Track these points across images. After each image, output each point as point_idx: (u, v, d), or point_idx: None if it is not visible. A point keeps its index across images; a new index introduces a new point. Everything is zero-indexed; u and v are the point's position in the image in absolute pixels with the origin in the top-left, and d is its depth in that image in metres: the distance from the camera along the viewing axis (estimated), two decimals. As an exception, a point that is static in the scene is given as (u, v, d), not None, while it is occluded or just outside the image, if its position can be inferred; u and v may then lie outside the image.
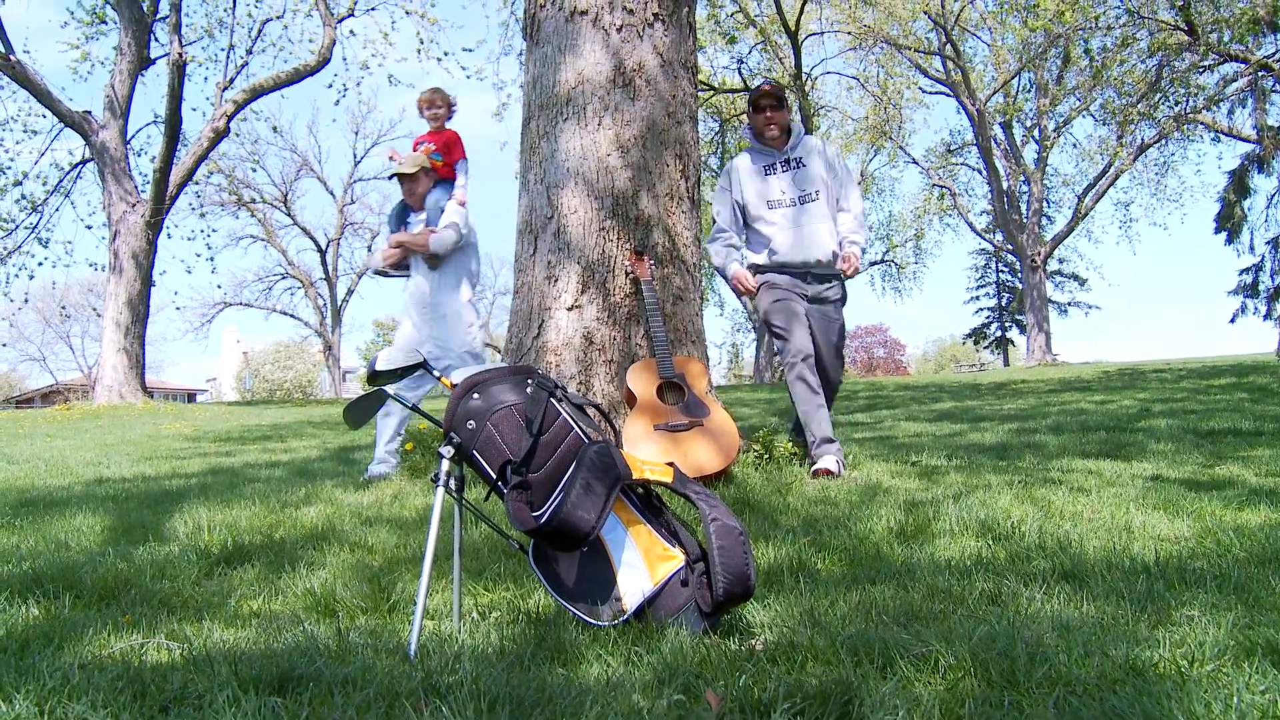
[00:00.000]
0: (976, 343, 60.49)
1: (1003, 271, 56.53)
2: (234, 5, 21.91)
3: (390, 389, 2.62)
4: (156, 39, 20.81)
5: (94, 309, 33.39)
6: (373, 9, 22.66)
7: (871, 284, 43.81)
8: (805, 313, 5.21)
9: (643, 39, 5.19)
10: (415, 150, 6.22)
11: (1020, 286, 45.28)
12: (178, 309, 65.95)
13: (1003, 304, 57.30)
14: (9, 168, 21.73)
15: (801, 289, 5.26)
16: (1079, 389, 13.53)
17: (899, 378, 34.65)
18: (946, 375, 36.95)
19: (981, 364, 57.61)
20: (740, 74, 29.79)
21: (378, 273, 6.19)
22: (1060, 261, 47.93)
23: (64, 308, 46.27)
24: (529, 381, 2.48)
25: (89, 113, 20.37)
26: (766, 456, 5.04)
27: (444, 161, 6.18)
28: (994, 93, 32.99)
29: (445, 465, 2.40)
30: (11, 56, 19.49)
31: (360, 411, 2.62)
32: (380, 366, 2.51)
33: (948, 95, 33.90)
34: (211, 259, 46.12)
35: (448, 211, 5.97)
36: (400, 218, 6.20)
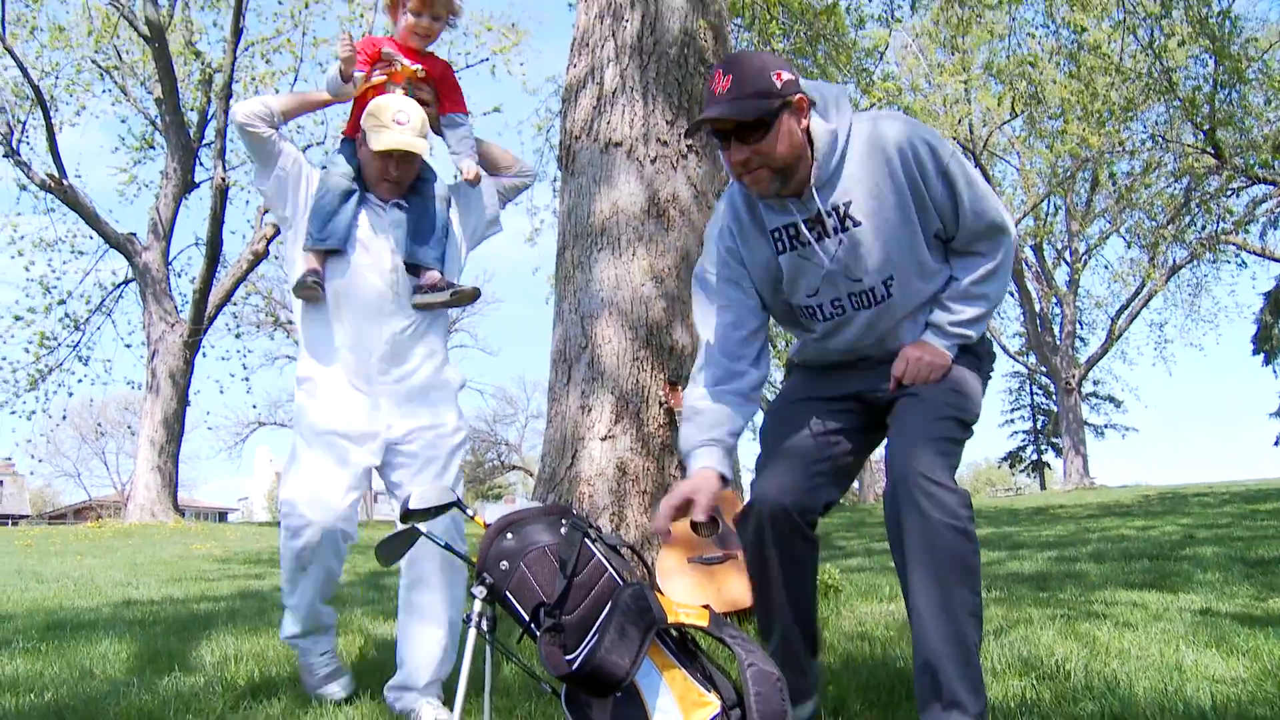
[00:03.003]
0: (1012, 466, 59.81)
1: (1037, 394, 56.20)
2: (278, 133, 22.59)
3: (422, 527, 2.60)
4: (201, 164, 21.50)
5: (129, 427, 33.79)
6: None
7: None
8: (827, 422, 2.82)
9: (676, 170, 5.28)
10: (380, 65, 3.49)
11: (1055, 409, 44.94)
12: (210, 429, 66.39)
13: (1038, 426, 56.80)
14: (55, 287, 22.25)
15: (833, 389, 2.90)
16: (1119, 514, 13.30)
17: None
18: (982, 499, 36.47)
19: (1018, 488, 56.89)
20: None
21: (302, 292, 3.32)
22: (1095, 383, 47.63)
23: (100, 425, 46.83)
24: (563, 521, 2.46)
25: (134, 234, 20.96)
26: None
27: (436, 107, 3.58)
28: (1024, 216, 33.28)
29: (478, 606, 2.37)
30: (65, 181, 20.13)
31: (393, 549, 2.60)
32: (414, 505, 2.49)
33: (978, 218, 34.21)
34: (246, 379, 46.63)
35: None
36: (345, 196, 3.40)
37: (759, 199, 2.70)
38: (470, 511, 2.58)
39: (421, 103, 3.41)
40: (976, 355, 2.82)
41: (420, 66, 3.51)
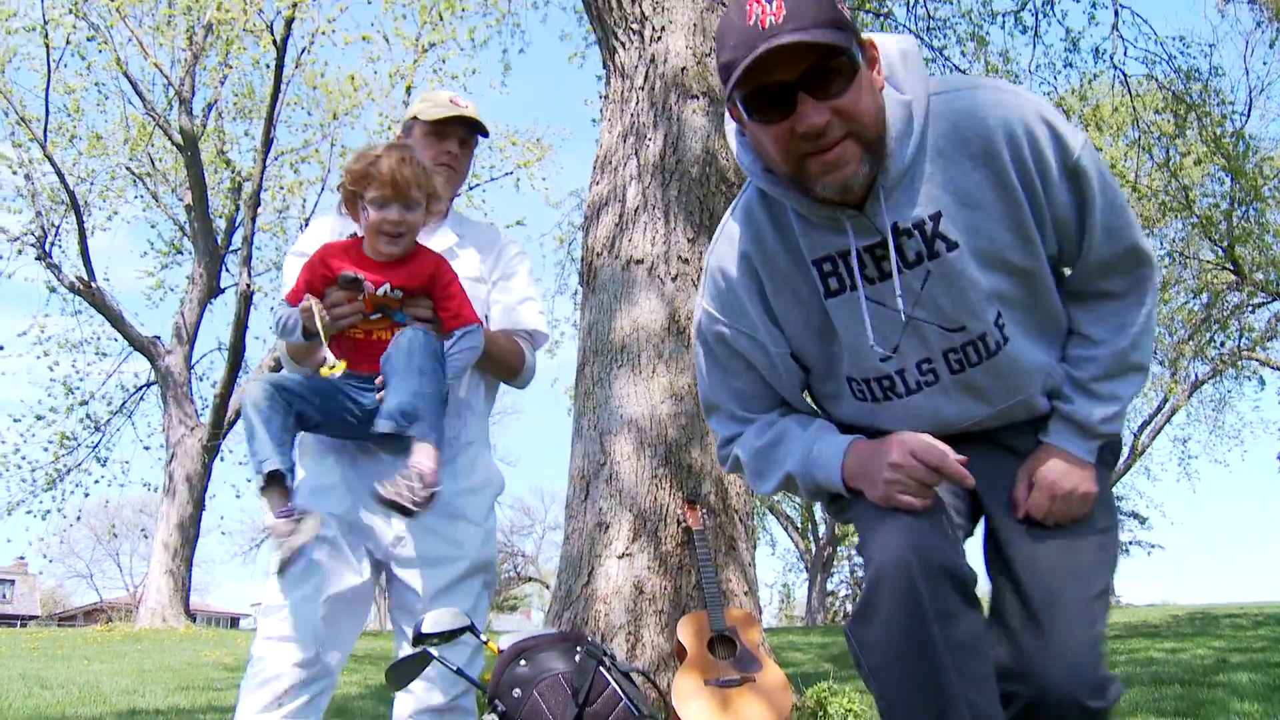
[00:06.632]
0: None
1: (1059, 508, 55.50)
2: (303, 241, 23.02)
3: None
4: (227, 269, 21.84)
5: (143, 529, 33.71)
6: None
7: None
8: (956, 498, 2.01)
9: (697, 288, 5.32)
10: (337, 290, 2.54)
11: (1077, 524, 44.26)
12: (224, 534, 66.00)
13: (1060, 541, 56.00)
14: (77, 388, 22.42)
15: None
16: (1146, 634, 13.00)
17: (954, 616, 33.57)
18: (1004, 614, 35.74)
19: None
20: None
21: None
22: (1119, 499, 47.04)
23: (114, 526, 46.72)
24: (578, 649, 2.42)
25: (158, 338, 21.20)
26: (821, 714, 4.83)
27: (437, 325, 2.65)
28: (1043, 330, 33.29)
29: (489, 736, 2.32)
30: (93, 284, 20.46)
31: (404, 673, 2.54)
32: (427, 629, 2.45)
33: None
34: (264, 483, 46.52)
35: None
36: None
37: (807, 203, 1.80)
38: (484, 637, 2.54)
39: (420, 320, 2.62)
40: (1113, 453, 2.05)
41: (389, 286, 2.56)
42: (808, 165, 1.71)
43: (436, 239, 2.84)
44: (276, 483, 2.45)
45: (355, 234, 2.68)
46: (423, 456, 2.38)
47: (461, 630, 2.50)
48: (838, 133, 1.67)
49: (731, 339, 1.96)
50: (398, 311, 2.58)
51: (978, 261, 1.80)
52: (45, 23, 18.19)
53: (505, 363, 2.92)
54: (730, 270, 1.94)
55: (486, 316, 2.91)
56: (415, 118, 3.01)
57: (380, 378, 2.51)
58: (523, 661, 2.39)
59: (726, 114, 1.88)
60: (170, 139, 20.36)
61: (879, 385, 1.94)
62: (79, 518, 30.08)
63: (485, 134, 3.08)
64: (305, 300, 2.50)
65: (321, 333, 2.48)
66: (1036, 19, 12.48)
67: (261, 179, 19.89)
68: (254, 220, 20.60)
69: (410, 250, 2.62)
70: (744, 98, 1.71)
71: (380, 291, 2.54)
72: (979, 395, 1.92)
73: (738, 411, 2.04)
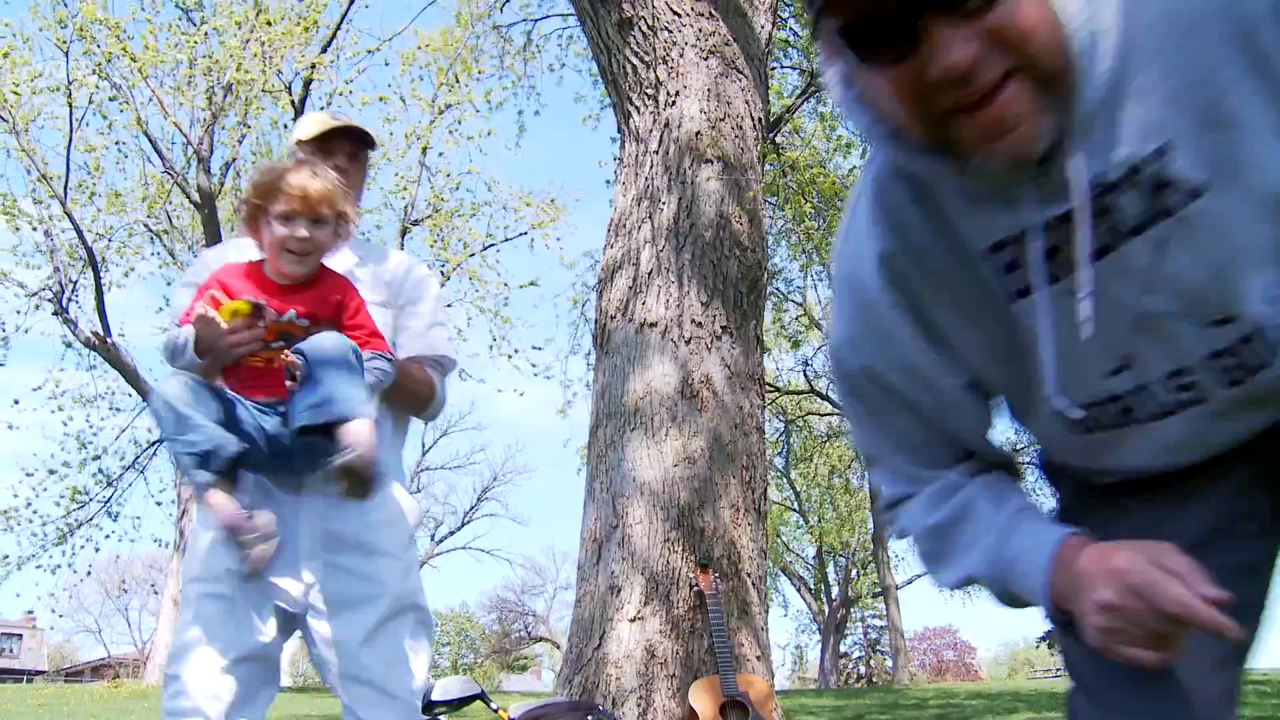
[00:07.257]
0: (1051, 646, 57.93)
1: (1073, 570, 54.95)
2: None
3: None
4: (239, 327, 21.95)
5: (153, 585, 33.57)
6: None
7: (937, 581, 42.65)
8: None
9: (710, 352, 5.35)
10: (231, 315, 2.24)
11: (1092, 587, 43.72)
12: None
13: (1075, 605, 55.35)
14: (90, 442, 22.46)
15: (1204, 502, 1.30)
16: (1163, 705, 12.75)
17: (971, 684, 33.05)
18: (1021, 681, 35.24)
19: (1058, 669, 55.07)
20: (805, 375, 30.31)
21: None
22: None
23: (124, 581, 46.60)
24: (589, 717, 2.40)
25: (171, 394, 21.27)
26: (833, 783, 4.76)
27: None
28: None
29: (498, 806, 2.30)
30: (108, 339, 20.60)
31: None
32: (436, 696, 2.44)
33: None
34: (274, 539, 46.45)
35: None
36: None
37: (1001, 166, 1.07)
38: (495, 707, 2.53)
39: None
40: None
41: (294, 312, 2.35)
42: (956, 127, 1.06)
43: (335, 260, 2.59)
44: (228, 475, 2.30)
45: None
46: (356, 429, 2.18)
47: (472, 698, 2.49)
48: (995, 71, 1.02)
49: (882, 374, 1.35)
50: (301, 339, 2.33)
51: (1247, 208, 1.10)
52: (69, 83, 18.53)
53: (414, 393, 2.74)
54: (866, 280, 1.31)
55: (394, 343, 2.75)
56: (298, 140, 2.78)
57: (285, 403, 2.33)
58: (534, 730, 2.37)
59: (822, 53, 1.19)
60: (188, 197, 20.59)
61: (1110, 410, 1.29)
62: (89, 573, 30.00)
63: (373, 146, 2.91)
64: (198, 307, 2.21)
65: (220, 320, 2.21)
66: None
67: (277, 237, 20.07)
68: (269, 277, 20.74)
69: (315, 272, 2.42)
70: (843, 28, 1.06)
71: (285, 318, 2.32)
72: (1269, 406, 1.25)
73: (905, 466, 1.44)
